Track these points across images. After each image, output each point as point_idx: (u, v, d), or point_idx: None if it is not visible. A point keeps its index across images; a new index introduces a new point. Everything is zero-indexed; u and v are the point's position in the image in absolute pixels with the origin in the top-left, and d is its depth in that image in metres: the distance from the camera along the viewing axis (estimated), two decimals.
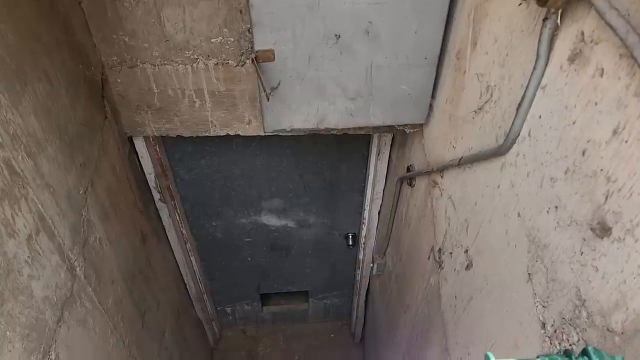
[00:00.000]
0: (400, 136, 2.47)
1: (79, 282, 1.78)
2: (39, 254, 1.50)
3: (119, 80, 2.15)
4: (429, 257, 1.99)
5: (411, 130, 1.90)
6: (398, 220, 2.57)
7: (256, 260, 3.72)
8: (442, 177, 1.78)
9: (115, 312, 2.15)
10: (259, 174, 3.00)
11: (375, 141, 2.67)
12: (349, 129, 2.33)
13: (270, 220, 3.36)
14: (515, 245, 1.18)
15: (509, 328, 1.23)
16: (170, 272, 3.23)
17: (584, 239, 0.89)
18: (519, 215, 1.16)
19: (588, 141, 0.88)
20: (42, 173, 1.56)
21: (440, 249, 1.83)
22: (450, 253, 1.70)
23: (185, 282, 3.54)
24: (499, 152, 1.25)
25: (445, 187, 1.74)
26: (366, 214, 3.19)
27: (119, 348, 2.17)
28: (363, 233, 3.36)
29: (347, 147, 2.88)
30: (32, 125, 1.50)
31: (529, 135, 1.11)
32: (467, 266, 1.52)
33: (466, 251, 1.53)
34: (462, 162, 1.50)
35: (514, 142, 1.18)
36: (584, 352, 0.69)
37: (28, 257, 1.43)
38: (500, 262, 1.27)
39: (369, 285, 3.81)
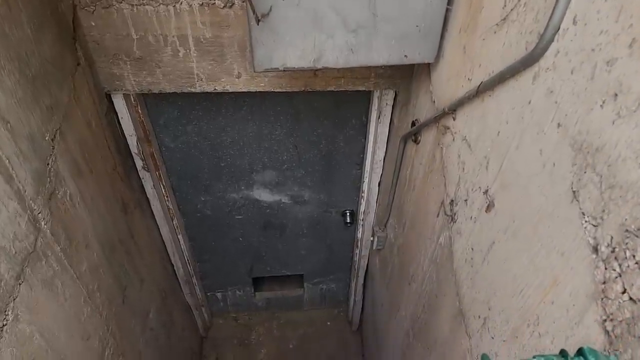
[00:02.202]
0: (404, 93, 2.27)
1: (44, 237, 1.57)
2: None
3: (93, 24, 1.93)
4: (437, 215, 1.80)
5: (420, 63, 1.70)
6: (401, 185, 2.38)
7: (248, 240, 3.50)
8: (454, 119, 1.59)
9: (90, 280, 1.94)
10: (250, 143, 2.80)
11: (375, 102, 2.47)
12: (348, 74, 2.15)
13: (263, 195, 3.15)
14: (554, 164, 0.99)
15: (544, 265, 1.03)
16: (156, 250, 3.01)
17: None
18: (559, 125, 0.97)
19: None
20: None
21: (452, 201, 1.63)
22: (465, 200, 1.50)
23: (173, 262, 3.33)
24: (531, 59, 1.05)
25: (459, 129, 1.55)
26: (365, 186, 2.99)
27: (94, 320, 1.95)
28: (362, 209, 3.16)
29: (345, 114, 2.68)
30: None
31: (574, 22, 0.91)
32: (487, 208, 1.32)
33: (485, 192, 1.34)
34: (482, 89, 1.31)
35: (552, 40, 0.99)
36: (580, 352, 0.72)
37: None
38: (532, 190, 1.08)
39: (367, 266, 3.60)
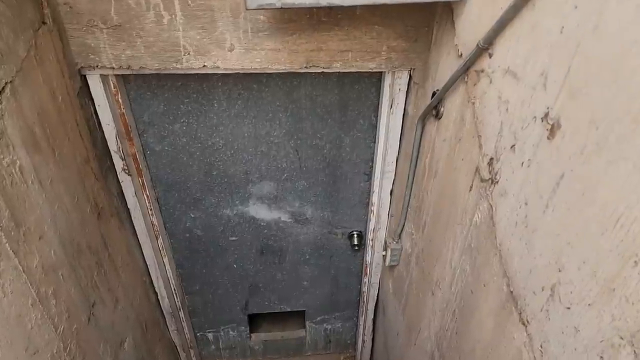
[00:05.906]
0: (420, 71, 1.99)
1: None
2: None
3: None
4: (470, 189, 1.46)
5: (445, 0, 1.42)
6: (418, 180, 2.05)
7: (243, 267, 3.12)
8: (491, 56, 1.29)
9: (43, 281, 1.57)
10: (246, 146, 2.50)
11: (387, 90, 2.18)
12: (357, 47, 1.87)
13: (260, 212, 2.81)
14: None
15: None
16: (137, 271, 2.63)
17: None
18: None
19: None
20: None
21: (491, 159, 1.30)
22: (512, 147, 1.17)
23: (157, 289, 2.93)
24: None
25: (499, 63, 1.25)
26: (375, 197, 2.65)
27: (46, 332, 1.57)
28: (371, 226, 2.80)
29: (352, 112, 2.39)
30: None
31: None
32: (550, 133, 0.99)
33: (545, 116, 1.01)
34: None
35: None
36: None
37: None
38: (629, 65, 0.76)
39: (377, 297, 3.19)
